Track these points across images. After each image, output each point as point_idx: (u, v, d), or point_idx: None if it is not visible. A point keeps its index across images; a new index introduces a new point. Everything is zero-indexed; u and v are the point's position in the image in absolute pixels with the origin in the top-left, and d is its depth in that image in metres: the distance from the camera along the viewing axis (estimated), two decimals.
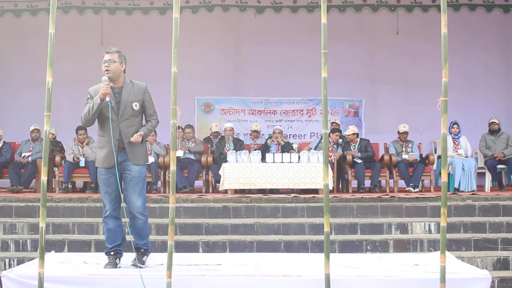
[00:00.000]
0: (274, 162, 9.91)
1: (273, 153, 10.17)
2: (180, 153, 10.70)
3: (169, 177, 9.40)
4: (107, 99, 5.30)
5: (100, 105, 5.33)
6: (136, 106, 5.47)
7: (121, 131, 5.39)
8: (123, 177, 5.47)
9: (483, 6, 12.86)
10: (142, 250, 5.56)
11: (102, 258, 5.67)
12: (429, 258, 5.96)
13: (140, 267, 5.32)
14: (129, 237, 5.71)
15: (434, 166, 11.29)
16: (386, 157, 10.68)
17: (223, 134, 11.64)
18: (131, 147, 5.43)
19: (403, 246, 7.53)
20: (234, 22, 13.59)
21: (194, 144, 11.08)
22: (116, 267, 5.39)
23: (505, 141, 10.95)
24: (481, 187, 10.80)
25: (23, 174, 10.52)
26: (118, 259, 5.50)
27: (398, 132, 11.11)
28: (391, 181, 10.62)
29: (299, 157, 10.01)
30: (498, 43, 13.93)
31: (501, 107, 13.53)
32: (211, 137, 11.98)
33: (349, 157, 10.64)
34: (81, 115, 5.48)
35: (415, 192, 10.04)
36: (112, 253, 5.49)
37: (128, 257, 5.67)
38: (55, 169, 10.82)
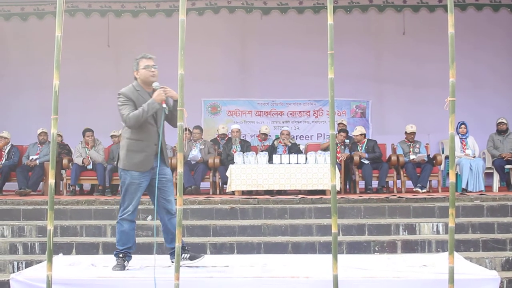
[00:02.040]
0: (281, 163, 9.91)
1: (280, 154, 10.19)
2: (195, 154, 10.83)
3: (176, 178, 9.43)
4: (164, 105, 5.40)
5: (156, 109, 5.41)
6: (167, 111, 5.52)
7: (159, 136, 5.53)
8: (158, 181, 5.52)
9: (490, 6, 12.80)
10: (186, 247, 5.67)
11: (110, 260, 5.68)
12: (437, 258, 5.94)
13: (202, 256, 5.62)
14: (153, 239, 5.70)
15: (442, 166, 11.26)
16: (394, 158, 10.66)
17: (230, 136, 11.65)
18: (165, 150, 5.62)
19: (411, 247, 7.51)
20: (240, 24, 13.60)
21: (203, 146, 11.10)
22: (124, 269, 5.39)
23: None
24: (489, 187, 10.77)
25: (31, 177, 10.55)
26: (126, 261, 5.51)
27: (406, 133, 11.08)
28: (398, 181, 10.61)
29: (306, 158, 10.02)
30: (505, 43, 13.87)
31: (509, 107, 13.47)
32: (218, 138, 11.98)
33: (356, 158, 10.63)
34: (129, 116, 5.41)
35: (422, 192, 10.02)
36: (121, 255, 5.49)
37: (136, 260, 5.67)
38: (63, 171, 10.87)
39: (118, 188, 10.72)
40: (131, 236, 5.58)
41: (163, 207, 5.63)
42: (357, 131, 11.17)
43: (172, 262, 5.46)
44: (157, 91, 5.39)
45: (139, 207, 8.44)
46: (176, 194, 4.66)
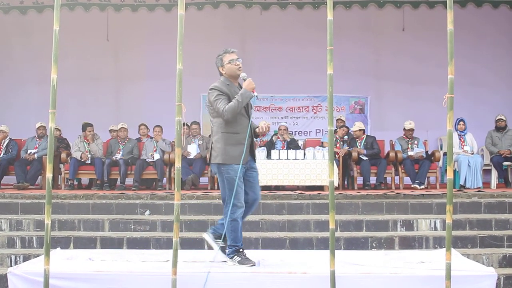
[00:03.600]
0: (279, 159, 9.92)
1: (279, 150, 10.19)
2: (193, 148, 10.84)
3: (174, 173, 9.43)
4: (255, 93, 5.38)
5: (250, 98, 5.38)
6: (257, 98, 5.53)
7: (251, 128, 5.46)
8: (249, 174, 5.50)
9: (490, 2, 12.79)
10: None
11: (107, 254, 5.68)
12: (434, 255, 5.94)
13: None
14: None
15: (440, 163, 11.27)
16: (392, 154, 10.66)
17: None
18: (253, 144, 5.56)
19: (408, 243, 7.52)
20: (239, 19, 13.57)
21: (201, 141, 11.11)
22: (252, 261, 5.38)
23: (511, 138, 10.92)
24: (487, 184, 10.78)
25: (29, 171, 10.55)
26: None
27: (404, 129, 11.09)
28: (396, 178, 10.61)
29: (304, 154, 10.02)
30: (505, 40, 13.87)
31: (507, 103, 13.47)
32: None
33: (354, 154, 10.63)
34: (225, 109, 5.33)
35: (420, 189, 10.04)
36: (241, 250, 5.44)
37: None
38: (61, 166, 10.86)
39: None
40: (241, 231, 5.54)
41: (251, 199, 5.57)
42: (356, 126, 11.18)
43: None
44: (247, 81, 5.39)
45: (137, 201, 8.55)
46: (174, 189, 4.66)
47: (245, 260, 5.34)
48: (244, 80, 5.44)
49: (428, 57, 13.19)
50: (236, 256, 5.40)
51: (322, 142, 11.06)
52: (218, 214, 8.24)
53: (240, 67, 5.52)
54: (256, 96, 5.42)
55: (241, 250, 5.43)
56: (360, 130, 11.09)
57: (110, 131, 11.72)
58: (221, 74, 5.63)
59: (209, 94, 5.46)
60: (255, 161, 5.59)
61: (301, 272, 5.08)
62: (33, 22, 13.13)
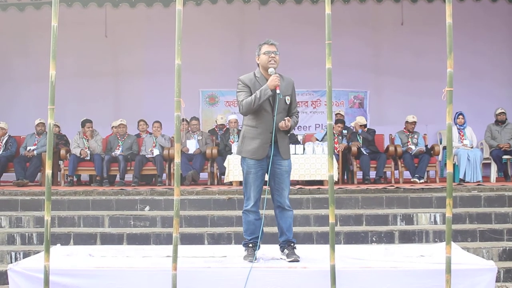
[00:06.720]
0: None
1: None
2: (192, 144, 10.83)
3: (174, 169, 9.42)
4: (278, 91, 5.28)
5: (269, 96, 5.25)
6: (288, 100, 5.46)
7: (275, 124, 5.32)
8: (273, 171, 5.43)
9: None
10: (292, 244, 5.51)
11: (107, 250, 5.66)
12: (434, 249, 5.94)
13: (298, 261, 5.26)
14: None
15: (440, 157, 11.27)
16: (391, 148, 10.65)
17: (227, 126, 11.63)
18: (282, 141, 5.41)
19: (408, 237, 7.53)
20: (237, 14, 13.56)
21: (201, 137, 11.10)
22: (255, 258, 5.30)
23: (510, 131, 10.92)
24: (486, 178, 10.77)
25: (28, 168, 10.53)
26: (256, 251, 5.44)
27: (406, 122, 11.05)
28: (396, 172, 10.61)
29: (304, 149, 10.01)
30: (503, 34, 13.86)
31: (507, 97, 13.47)
32: (216, 129, 11.97)
33: (354, 148, 10.63)
34: (241, 103, 5.31)
35: (420, 183, 10.03)
36: (250, 245, 5.44)
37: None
38: (60, 162, 10.85)
39: (114, 178, 10.74)
40: (258, 226, 5.50)
41: (274, 199, 5.57)
42: (356, 121, 11.22)
43: (282, 254, 5.49)
44: (272, 77, 5.26)
45: (137, 197, 8.54)
46: (173, 184, 4.65)
47: (247, 256, 5.35)
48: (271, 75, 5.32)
49: (427, 51, 13.20)
50: (244, 250, 5.45)
51: (316, 139, 11.04)
52: (218, 209, 8.27)
53: (273, 61, 5.37)
54: (279, 94, 5.28)
55: (250, 244, 5.44)
56: (361, 125, 11.11)
57: (113, 127, 11.67)
58: (257, 65, 5.51)
59: (237, 86, 5.45)
60: (285, 158, 5.44)
61: (301, 266, 5.09)
62: (31, 19, 13.10)
